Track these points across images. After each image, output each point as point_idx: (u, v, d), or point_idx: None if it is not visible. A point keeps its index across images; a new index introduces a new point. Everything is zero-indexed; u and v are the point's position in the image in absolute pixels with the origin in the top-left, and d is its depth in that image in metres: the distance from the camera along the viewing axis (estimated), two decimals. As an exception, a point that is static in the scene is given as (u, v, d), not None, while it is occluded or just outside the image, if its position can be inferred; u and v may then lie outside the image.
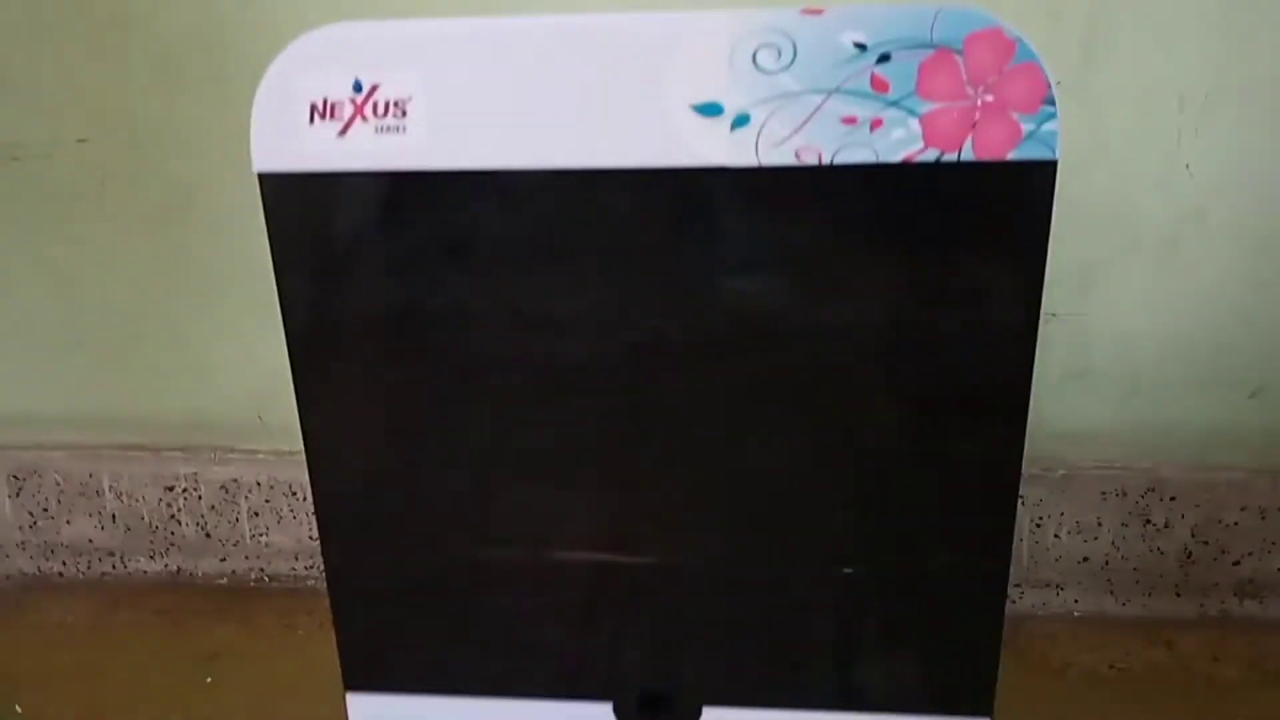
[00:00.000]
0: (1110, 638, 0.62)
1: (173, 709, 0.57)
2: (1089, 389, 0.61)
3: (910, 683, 0.37)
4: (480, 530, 0.37)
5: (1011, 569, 0.63)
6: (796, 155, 0.31)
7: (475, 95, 0.32)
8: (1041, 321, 0.58)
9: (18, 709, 0.58)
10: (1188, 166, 0.56)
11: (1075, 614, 0.65)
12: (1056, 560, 0.64)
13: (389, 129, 0.32)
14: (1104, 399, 0.61)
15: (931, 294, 0.33)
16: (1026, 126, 0.31)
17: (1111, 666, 0.60)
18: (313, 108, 0.32)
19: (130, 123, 0.62)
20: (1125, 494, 0.62)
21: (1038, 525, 0.63)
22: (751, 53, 0.31)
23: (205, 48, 0.60)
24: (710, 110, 0.31)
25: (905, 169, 0.31)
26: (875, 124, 0.31)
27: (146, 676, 0.61)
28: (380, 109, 0.32)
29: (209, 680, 0.60)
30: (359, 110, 0.32)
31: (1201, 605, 0.64)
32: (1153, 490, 0.62)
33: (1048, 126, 0.31)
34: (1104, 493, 0.62)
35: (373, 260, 0.34)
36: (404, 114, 0.32)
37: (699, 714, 0.38)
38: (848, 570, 0.36)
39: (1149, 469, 0.62)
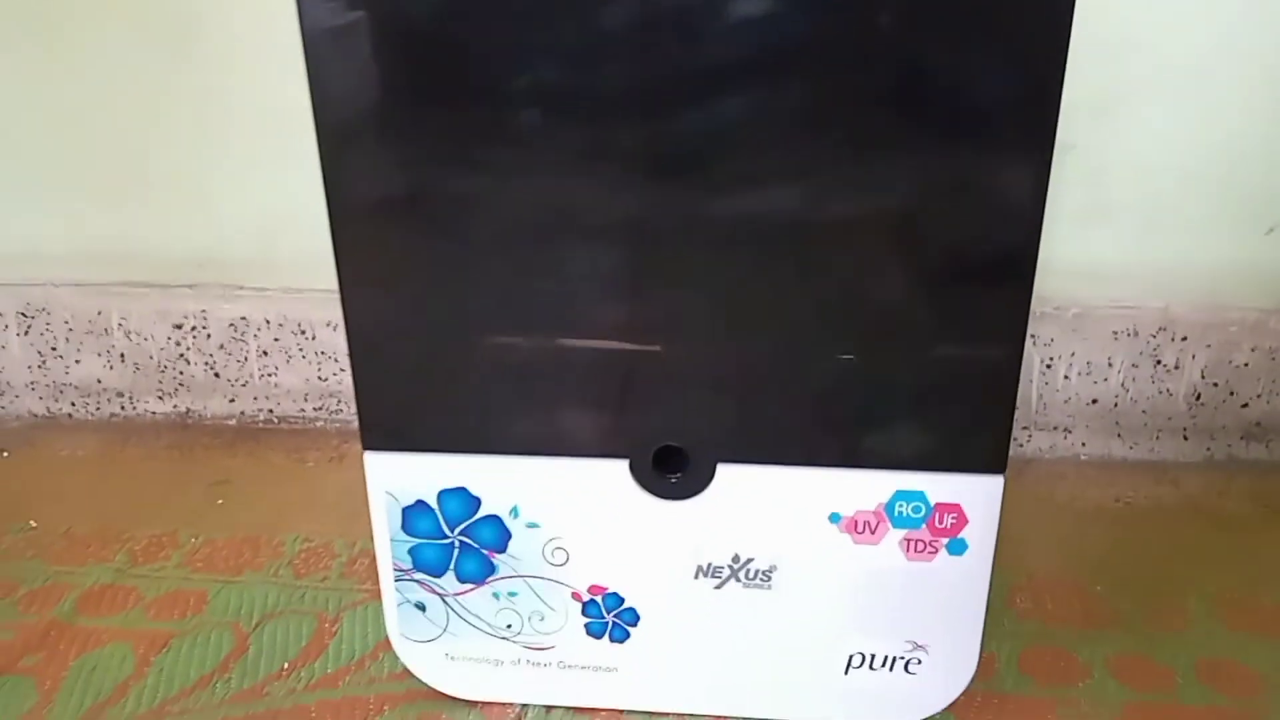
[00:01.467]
0: (1118, 477, 0.62)
1: (183, 525, 0.58)
2: (1105, 224, 0.61)
3: (920, 439, 0.37)
4: (498, 309, 0.37)
5: (1021, 411, 0.63)
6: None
7: None
8: (1060, 153, 0.58)
9: (32, 523, 0.58)
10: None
11: (1082, 456, 0.65)
12: (1065, 402, 0.64)
13: None
14: (1119, 235, 0.61)
15: (954, 79, 0.33)
16: None
17: (1118, 500, 0.60)
18: None
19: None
20: (1136, 333, 0.62)
21: (1048, 366, 0.63)
22: None
23: None
24: None
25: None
26: None
27: (157, 499, 0.61)
28: None
29: (220, 502, 0.61)
30: None
31: (1209, 449, 0.64)
32: (1164, 329, 0.62)
33: None
34: (1115, 332, 0.62)
35: (394, 34, 0.33)
36: None
37: (714, 472, 0.38)
38: (848, 356, 0.36)
39: (1161, 308, 0.62)
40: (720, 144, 0.34)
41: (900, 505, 0.38)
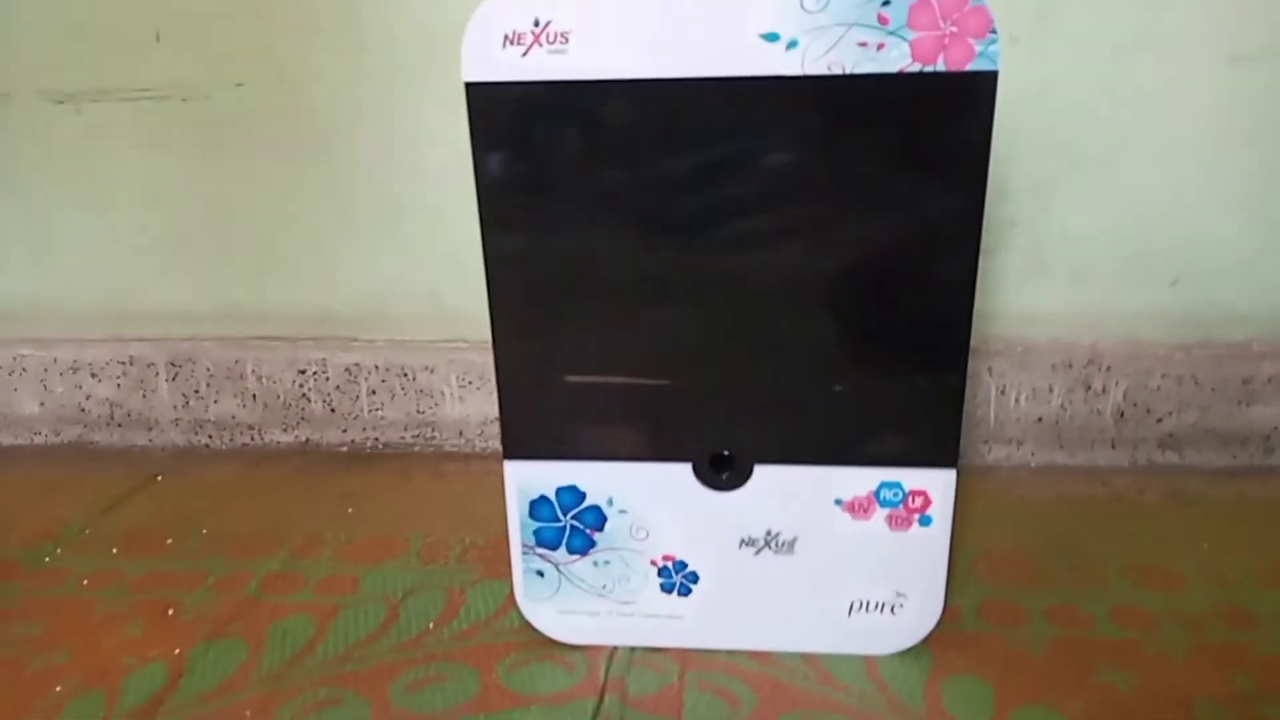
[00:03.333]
0: (1059, 480, 0.78)
1: (325, 529, 0.73)
2: (1043, 280, 0.77)
3: (897, 444, 0.53)
4: (591, 353, 0.53)
5: (982, 428, 0.79)
6: (828, 68, 0.47)
7: (613, 27, 0.47)
8: (1005, 227, 0.75)
9: (204, 530, 0.74)
10: (1120, 102, 0.72)
11: (1031, 464, 0.81)
12: (1016, 421, 0.80)
13: (556, 51, 0.47)
14: (1055, 288, 0.77)
15: (909, 167, 0.49)
16: (978, 48, 0.46)
17: (1059, 497, 0.76)
18: (504, 37, 0.48)
19: (279, 70, 0.78)
20: (1071, 365, 0.78)
21: (1001, 392, 0.79)
22: (800, 1, 0.47)
23: (342, 6, 0.75)
24: (772, 37, 0.47)
25: (899, 76, 0.47)
26: (880, 46, 0.47)
27: (297, 510, 0.77)
28: (550, 37, 0.47)
29: (349, 510, 0.76)
30: (536, 39, 0.47)
31: (1132, 456, 0.80)
32: (1092, 362, 0.78)
33: (992, 48, 0.46)
34: (1054, 364, 0.78)
35: (540, 140, 0.50)
36: (566, 41, 0.47)
37: (752, 470, 0.54)
38: (840, 388, 0.52)
39: (1090, 344, 0.78)
40: (745, 242, 0.51)
41: (885, 491, 0.54)
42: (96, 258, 0.84)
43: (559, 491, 0.56)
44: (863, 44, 0.47)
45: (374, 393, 0.85)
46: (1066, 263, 0.77)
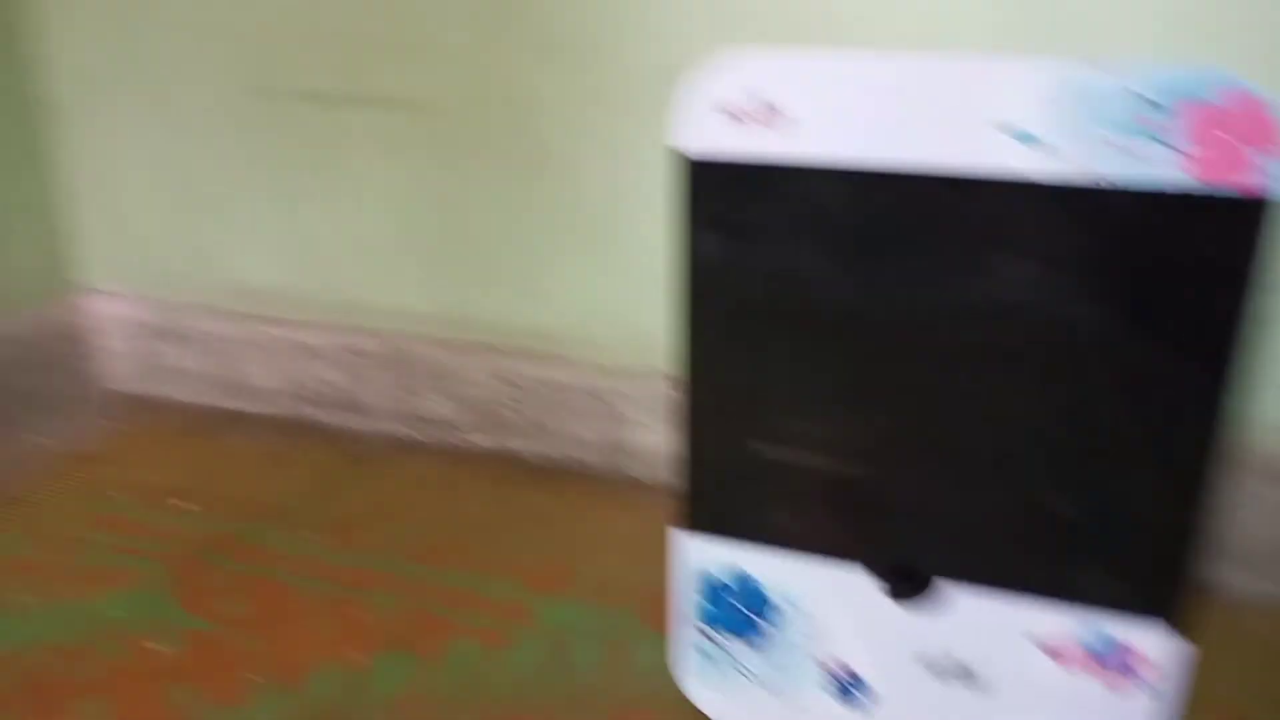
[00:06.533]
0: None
1: (511, 546, 0.75)
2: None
3: (1103, 586, 0.48)
4: (778, 434, 0.51)
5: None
6: (1085, 174, 0.42)
7: (842, 104, 0.44)
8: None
9: (400, 529, 0.77)
10: None
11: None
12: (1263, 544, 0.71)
13: (780, 132, 0.45)
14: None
15: (1159, 296, 0.43)
16: (1270, 167, 0.40)
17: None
18: (721, 107, 0.46)
19: (510, 90, 0.79)
20: (1342, 490, 0.68)
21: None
22: (1055, 95, 0.42)
23: (575, 34, 0.75)
24: (1025, 138, 0.42)
25: (1165, 197, 0.41)
26: (1146, 157, 0.41)
27: (487, 519, 0.79)
28: (773, 118, 0.45)
29: (536, 530, 0.78)
30: (754, 113, 0.45)
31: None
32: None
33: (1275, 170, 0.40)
34: (1320, 486, 0.68)
35: (752, 227, 0.48)
36: (792, 123, 0.45)
37: (934, 583, 0.50)
38: (1053, 502, 0.47)
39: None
40: (964, 350, 0.46)
41: (1093, 639, 0.48)
42: (333, 250, 0.89)
43: (734, 575, 0.54)
44: (1127, 152, 0.42)
45: (572, 410, 0.85)
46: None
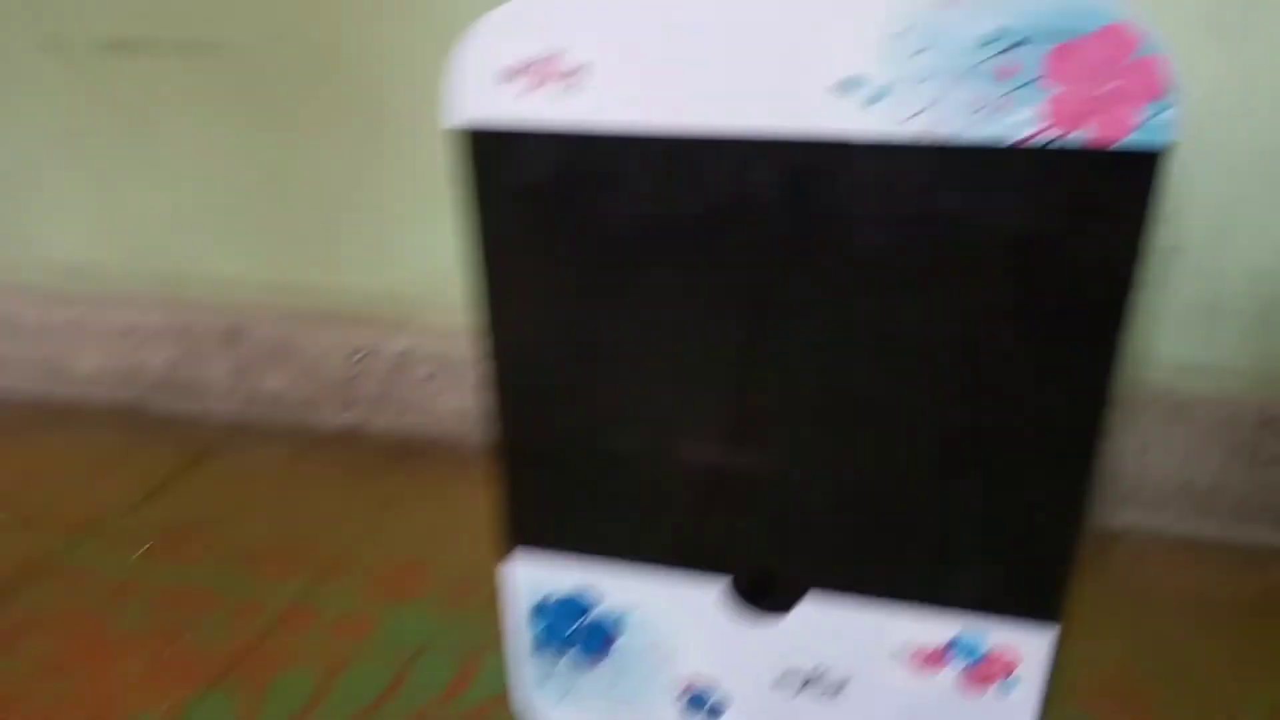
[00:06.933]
0: (1202, 559, 0.65)
1: (356, 542, 0.68)
2: (1212, 324, 0.62)
3: (982, 587, 0.42)
4: (615, 420, 0.44)
5: (1114, 486, 0.67)
6: (927, 131, 0.35)
7: (644, 59, 0.36)
8: (1167, 254, 0.60)
9: (233, 537, 0.70)
10: (1342, 112, 0.56)
11: (1172, 532, 0.68)
12: (1158, 483, 0.67)
13: (574, 93, 0.37)
14: (1226, 335, 0.63)
15: (1034, 268, 0.37)
16: (1144, 116, 0.33)
17: (1197, 592, 0.63)
18: (506, 70, 0.37)
19: (334, 35, 0.69)
20: (1237, 425, 0.64)
21: (1144, 451, 0.66)
22: (892, 35, 0.34)
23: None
24: (852, 85, 0.35)
25: (1024, 150, 0.34)
26: (1000, 106, 0.34)
27: (333, 512, 0.72)
28: (565, 72, 0.37)
29: (385, 522, 0.71)
30: (546, 73, 0.37)
31: (1302, 537, 0.66)
32: (1265, 425, 0.64)
33: (1164, 117, 0.33)
34: (1213, 423, 0.64)
35: (546, 202, 0.40)
36: (585, 81, 0.37)
37: (801, 595, 0.45)
38: (932, 484, 0.41)
39: (1260, 403, 0.63)
40: (811, 330, 0.40)
41: (961, 643, 0.43)
42: (154, 220, 0.79)
43: (571, 590, 0.48)
44: (977, 100, 0.35)
45: (429, 379, 0.78)
46: (1243, 305, 0.62)
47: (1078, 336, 0.38)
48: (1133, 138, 0.34)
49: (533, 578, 0.48)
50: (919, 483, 0.42)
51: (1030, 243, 0.36)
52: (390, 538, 0.69)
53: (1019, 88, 0.34)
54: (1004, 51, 0.34)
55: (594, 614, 0.48)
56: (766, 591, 0.45)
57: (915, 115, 0.35)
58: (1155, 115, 0.34)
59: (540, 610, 0.48)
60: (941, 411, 0.40)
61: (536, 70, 0.38)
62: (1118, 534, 0.68)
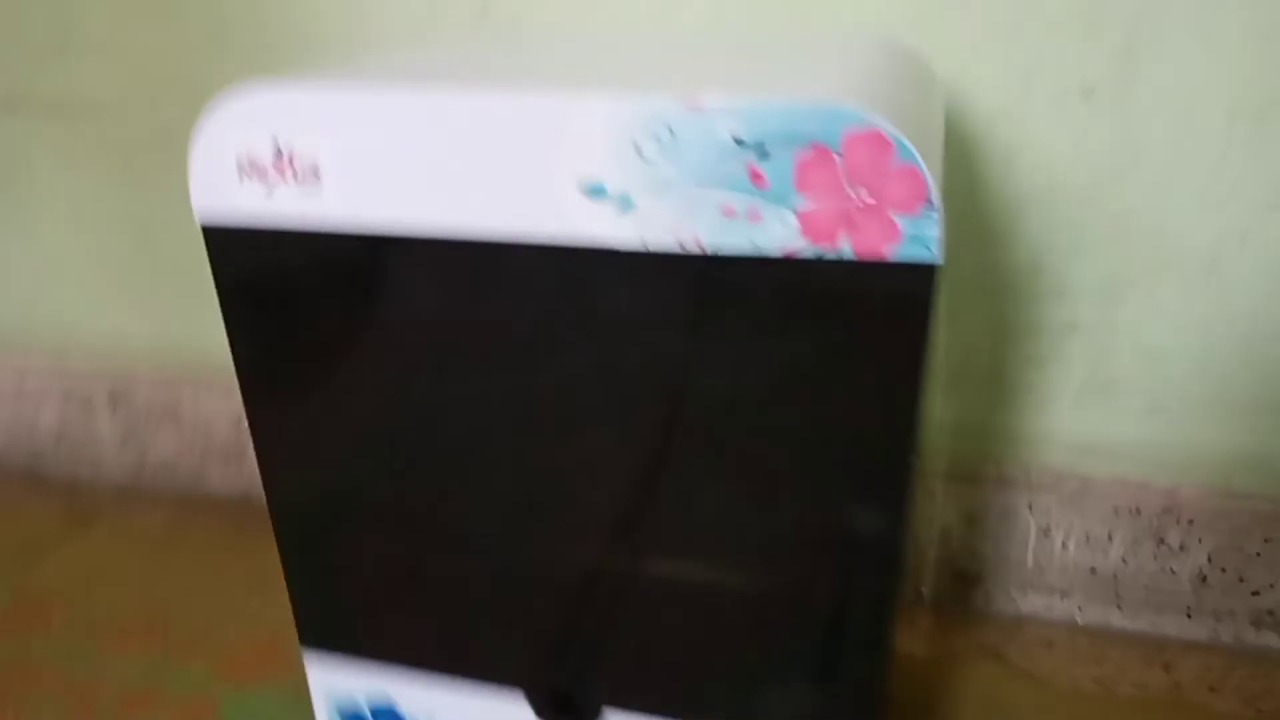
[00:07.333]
0: (1110, 649, 0.61)
1: (220, 618, 0.65)
2: (1109, 403, 0.59)
3: (799, 707, 0.39)
4: (397, 523, 0.41)
5: (1016, 572, 0.63)
6: (679, 243, 0.32)
7: (380, 162, 0.33)
8: (1062, 331, 0.57)
9: (95, 612, 0.67)
10: (1232, 185, 0.52)
11: (1079, 620, 0.64)
12: (1062, 569, 0.63)
13: (306, 192, 0.34)
14: (1124, 414, 0.59)
15: (807, 387, 0.33)
16: (905, 228, 0.30)
17: (1101, 689, 0.59)
18: (240, 167, 0.35)
19: (210, 97, 0.67)
20: (1140, 511, 0.60)
21: (1045, 534, 0.62)
22: (633, 140, 0.31)
23: (257, 24, 0.63)
24: (596, 192, 0.32)
25: (781, 264, 0.31)
26: (753, 217, 0.31)
27: (205, 582, 0.69)
28: (297, 172, 0.34)
29: (254, 598, 0.68)
30: (280, 172, 0.34)
31: (1214, 630, 0.62)
32: (1169, 511, 0.59)
33: (927, 229, 0.30)
34: (1117, 508, 0.60)
35: (299, 308, 0.37)
36: (318, 178, 0.34)
37: (600, 713, 0.41)
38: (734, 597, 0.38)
39: (1168, 489, 0.59)
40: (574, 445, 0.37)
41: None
42: (32, 277, 0.77)
43: (370, 699, 0.45)
44: (729, 212, 0.31)
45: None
46: (1141, 384, 0.58)
47: (862, 460, 0.34)
48: (897, 253, 0.31)
49: (330, 679, 0.45)
50: (721, 598, 0.38)
51: (800, 363, 0.33)
52: (255, 614, 0.66)
53: (770, 198, 0.31)
54: (752, 159, 0.31)
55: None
56: (565, 709, 0.42)
57: (667, 224, 0.32)
58: (917, 229, 0.30)
59: (342, 715, 0.45)
60: (738, 529, 0.37)
61: (273, 168, 0.35)
62: (1019, 621, 0.64)
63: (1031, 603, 0.64)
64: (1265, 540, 0.58)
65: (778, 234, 0.31)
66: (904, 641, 0.62)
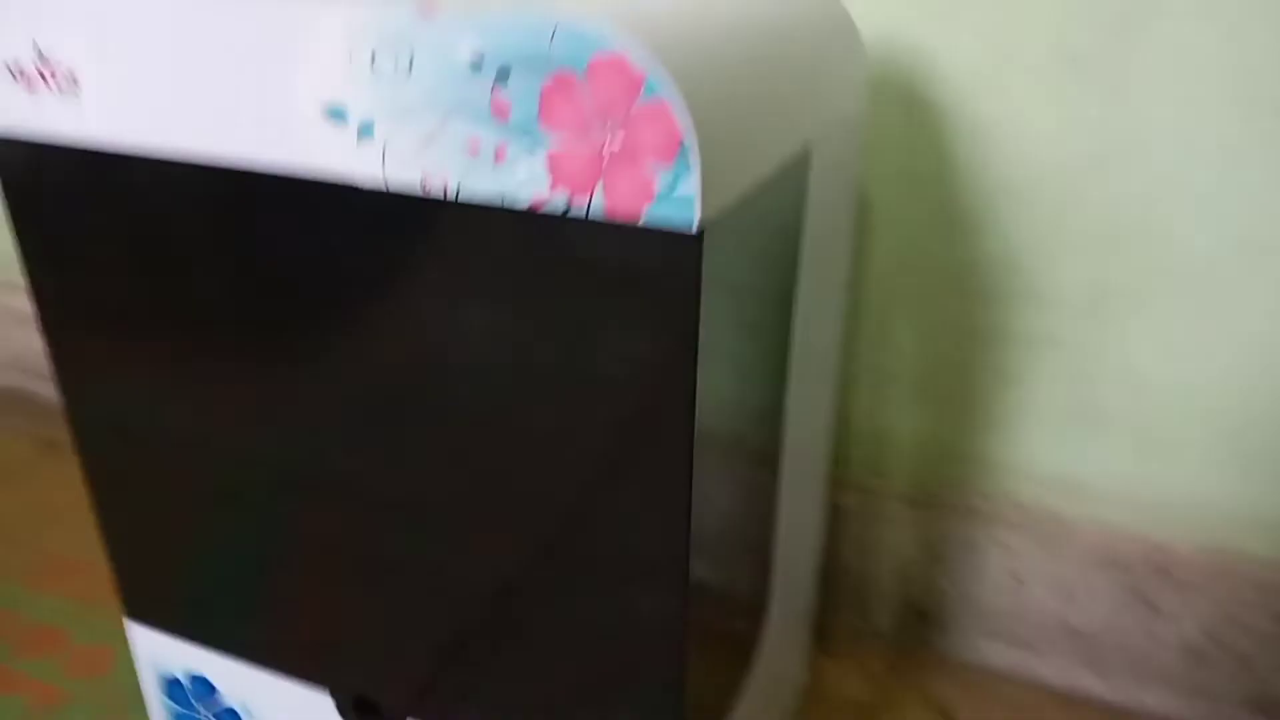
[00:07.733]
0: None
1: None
2: (1094, 435, 0.50)
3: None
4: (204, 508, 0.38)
5: (984, 620, 0.55)
6: (423, 180, 0.27)
7: (134, 75, 0.30)
8: (1040, 345, 0.49)
9: None
10: (1240, 188, 0.43)
11: (1053, 682, 0.56)
12: (1038, 622, 0.55)
13: (66, 102, 0.31)
14: (1111, 449, 0.50)
15: (552, 372, 0.28)
16: (660, 183, 0.24)
17: (1053, 758, 0.51)
18: (10, 72, 0.32)
19: None
20: (1127, 567, 0.51)
21: (1019, 581, 0.54)
22: (372, 54, 0.26)
23: None
24: (337, 114, 0.27)
25: (527, 219, 0.26)
26: (499, 154, 0.26)
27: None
28: (58, 78, 0.31)
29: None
30: (43, 76, 0.31)
31: (1207, 715, 0.53)
32: (1161, 570, 0.51)
33: (683, 185, 0.24)
34: (1100, 559, 0.52)
35: (68, 226, 0.34)
36: (76, 84, 0.31)
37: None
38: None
39: (1159, 543, 0.51)
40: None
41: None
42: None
43: (189, 677, 0.42)
44: (473, 144, 0.26)
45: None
46: (1129, 417, 0.49)
47: (629, 464, 0.29)
48: (649, 215, 0.25)
49: (151, 650, 0.42)
50: (518, 608, 0.33)
51: (545, 343, 0.28)
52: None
53: (516, 132, 0.26)
54: (494, 85, 0.26)
55: (218, 707, 0.42)
56: (368, 714, 0.38)
57: (409, 155, 0.27)
58: (671, 185, 0.25)
59: (165, 685, 0.43)
60: (521, 524, 0.32)
61: (37, 74, 0.32)
62: (981, 674, 0.56)
63: (999, 655, 0.56)
64: (1275, 617, 0.49)
65: (525, 179, 0.26)
66: (848, 683, 0.56)
